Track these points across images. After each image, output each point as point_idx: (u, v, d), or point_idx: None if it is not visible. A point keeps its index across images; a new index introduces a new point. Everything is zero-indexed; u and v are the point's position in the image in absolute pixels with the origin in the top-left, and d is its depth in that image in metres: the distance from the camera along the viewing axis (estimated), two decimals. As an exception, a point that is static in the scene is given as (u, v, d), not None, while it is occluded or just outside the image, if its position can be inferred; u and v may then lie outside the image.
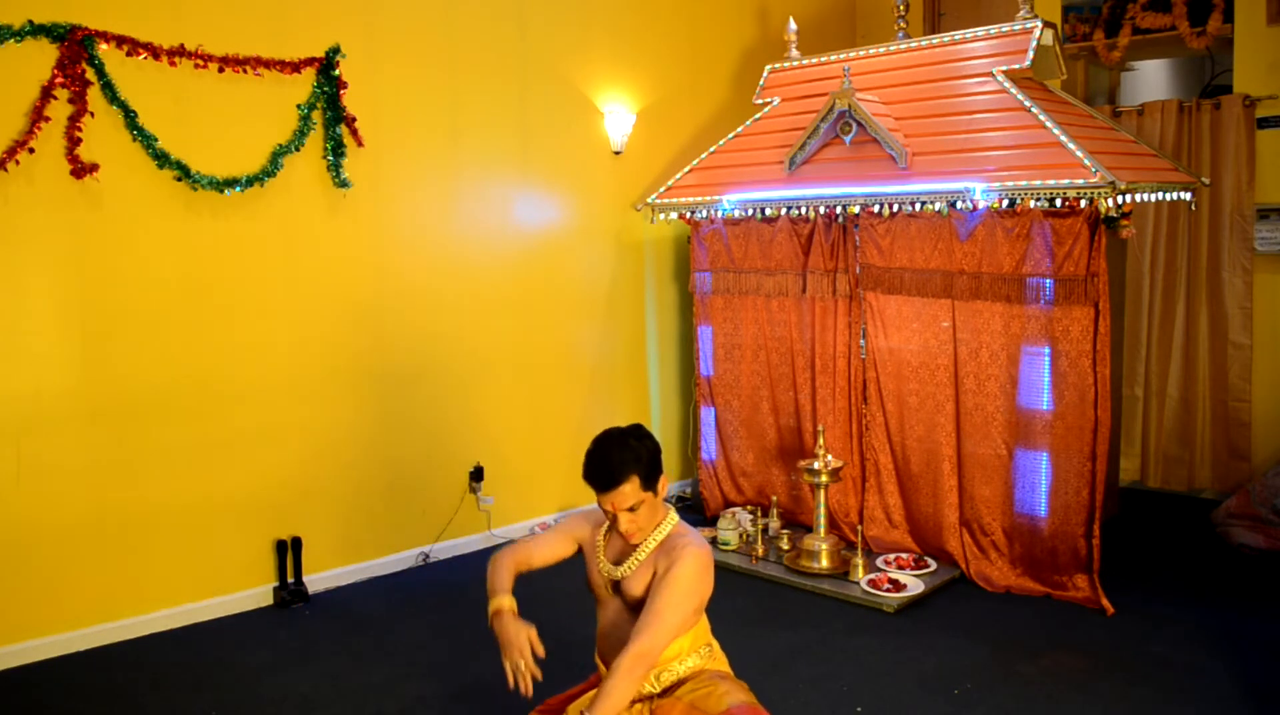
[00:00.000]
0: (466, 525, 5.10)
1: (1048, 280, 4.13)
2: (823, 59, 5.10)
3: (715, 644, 2.60)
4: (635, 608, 2.43)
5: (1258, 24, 5.27)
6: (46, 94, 3.78)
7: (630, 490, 2.38)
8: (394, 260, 4.78)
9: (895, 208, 4.45)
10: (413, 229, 4.85)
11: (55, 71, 3.79)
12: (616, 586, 2.51)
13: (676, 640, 2.43)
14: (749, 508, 5.18)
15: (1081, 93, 6.08)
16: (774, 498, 5.02)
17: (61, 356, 3.92)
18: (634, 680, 2.27)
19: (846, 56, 4.98)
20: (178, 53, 4.05)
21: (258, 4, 4.29)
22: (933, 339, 4.53)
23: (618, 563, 2.50)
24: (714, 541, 4.95)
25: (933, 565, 4.52)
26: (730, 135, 5.33)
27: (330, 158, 4.48)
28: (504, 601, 2.45)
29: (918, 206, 4.33)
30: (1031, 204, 4.03)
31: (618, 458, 2.38)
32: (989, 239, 4.27)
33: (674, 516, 2.52)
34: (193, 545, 4.24)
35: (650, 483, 2.43)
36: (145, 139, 3.99)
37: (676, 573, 2.35)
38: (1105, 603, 4.06)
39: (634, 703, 2.43)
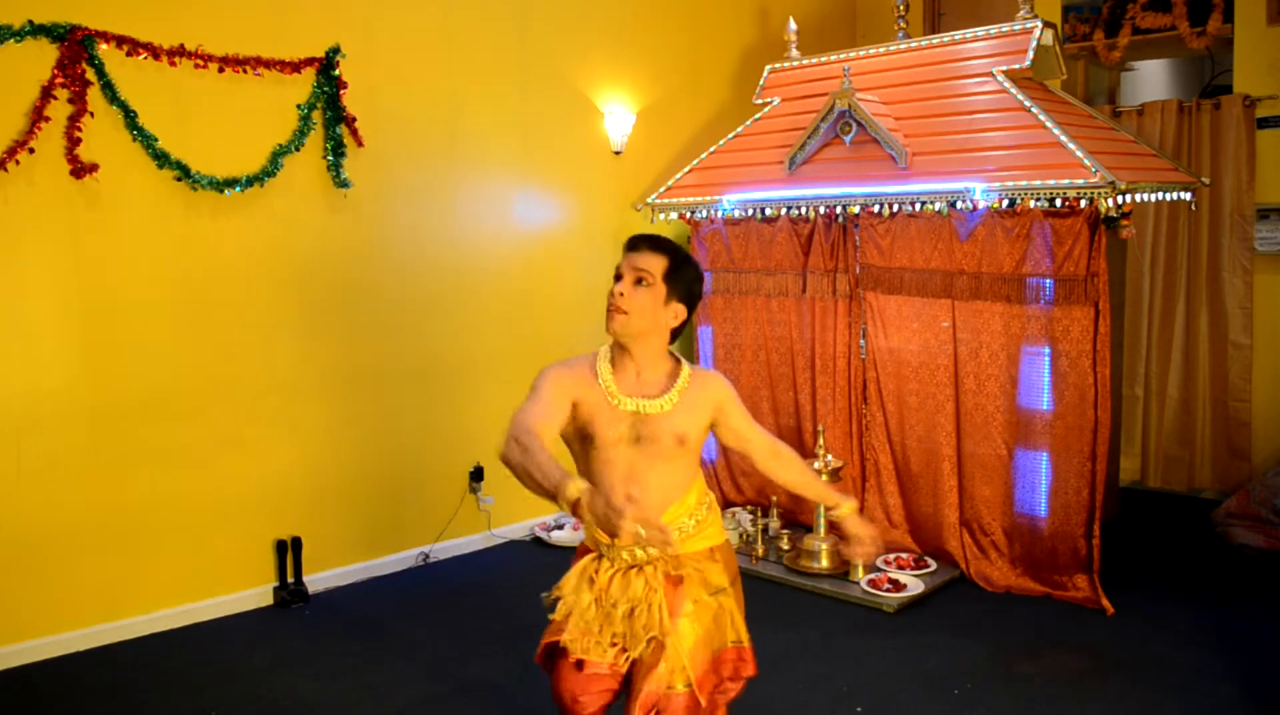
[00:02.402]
0: (466, 525, 5.10)
1: (1048, 280, 4.13)
2: (823, 59, 5.10)
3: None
4: (665, 454, 2.30)
5: (1258, 24, 5.27)
6: (46, 94, 3.77)
7: (655, 264, 2.30)
8: (394, 260, 4.78)
9: (895, 208, 4.45)
10: (413, 229, 4.85)
11: (55, 71, 3.79)
12: (643, 428, 2.30)
13: (691, 491, 2.40)
14: (749, 508, 5.18)
15: (1081, 93, 6.08)
16: (774, 498, 5.02)
17: (61, 356, 3.92)
18: (798, 462, 2.52)
19: (846, 56, 4.98)
20: (178, 53, 4.05)
21: (258, 4, 4.29)
22: (933, 339, 4.53)
23: (649, 400, 2.31)
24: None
25: (933, 565, 4.52)
26: (730, 135, 5.33)
27: (330, 158, 4.48)
28: (580, 482, 1.99)
29: (918, 206, 4.33)
30: (1031, 204, 4.03)
31: (662, 238, 2.36)
32: (989, 239, 4.27)
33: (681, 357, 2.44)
34: (193, 545, 4.24)
35: (675, 287, 2.31)
36: (145, 139, 3.99)
37: (729, 395, 2.45)
38: (1105, 603, 4.06)
39: (642, 566, 2.32)
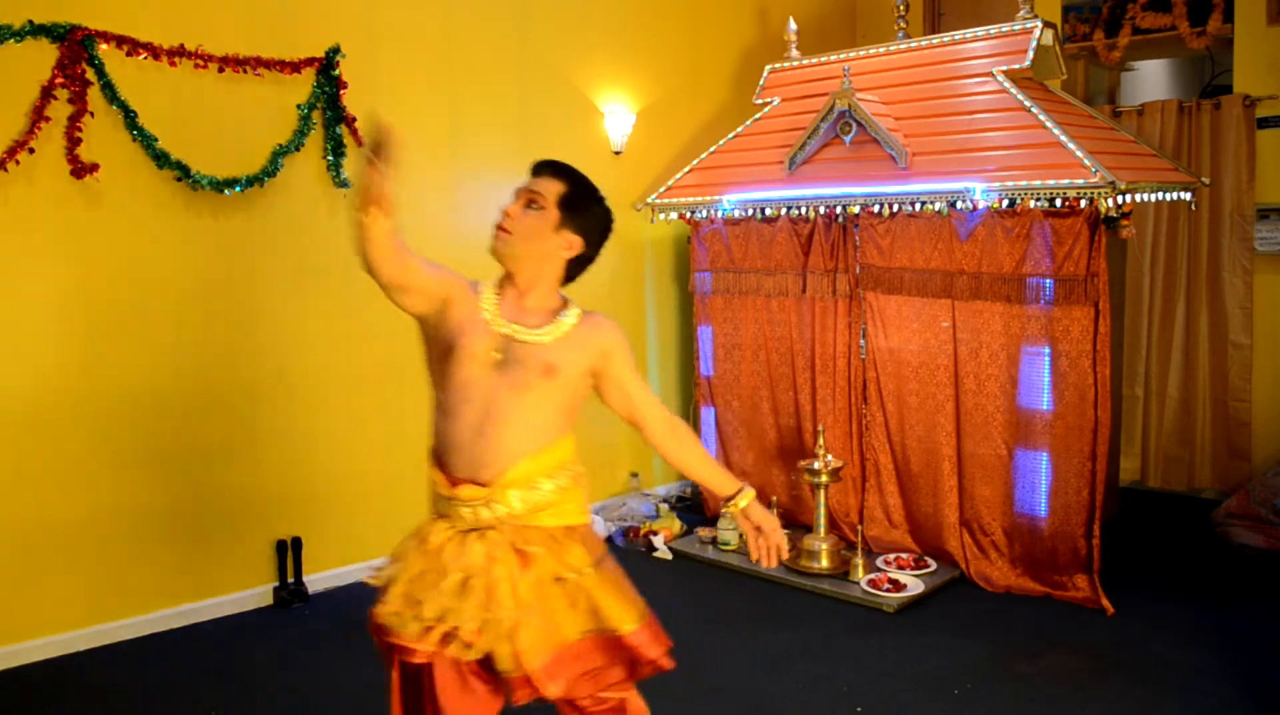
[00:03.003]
0: (466, 525, 5.09)
1: (1048, 280, 4.13)
2: (823, 59, 5.10)
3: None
4: (532, 386, 2.11)
5: (1258, 24, 5.27)
6: (46, 94, 3.77)
7: (550, 187, 2.16)
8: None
9: (895, 208, 4.45)
10: (413, 229, 4.83)
11: (55, 71, 3.78)
12: (513, 355, 2.14)
13: (554, 447, 2.17)
14: (749, 508, 5.18)
15: (1081, 93, 6.08)
16: (774, 498, 5.02)
17: (61, 356, 3.92)
18: (698, 444, 2.33)
19: (846, 56, 4.98)
20: (178, 53, 4.05)
21: (258, 4, 4.29)
22: (933, 339, 4.53)
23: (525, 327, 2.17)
24: (714, 541, 4.95)
25: (933, 565, 4.52)
26: (730, 135, 5.33)
27: (330, 158, 4.48)
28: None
29: (918, 206, 4.33)
30: (1031, 204, 4.03)
31: (567, 165, 2.21)
32: (989, 239, 4.27)
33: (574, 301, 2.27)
34: (193, 545, 4.24)
35: (570, 215, 2.16)
36: (145, 139, 3.99)
37: (619, 345, 2.24)
38: (1105, 603, 4.06)
39: (470, 530, 2.11)
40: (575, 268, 2.24)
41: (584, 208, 2.19)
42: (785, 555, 2.29)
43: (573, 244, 2.20)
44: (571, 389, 2.20)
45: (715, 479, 2.33)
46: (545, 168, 2.22)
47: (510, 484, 2.12)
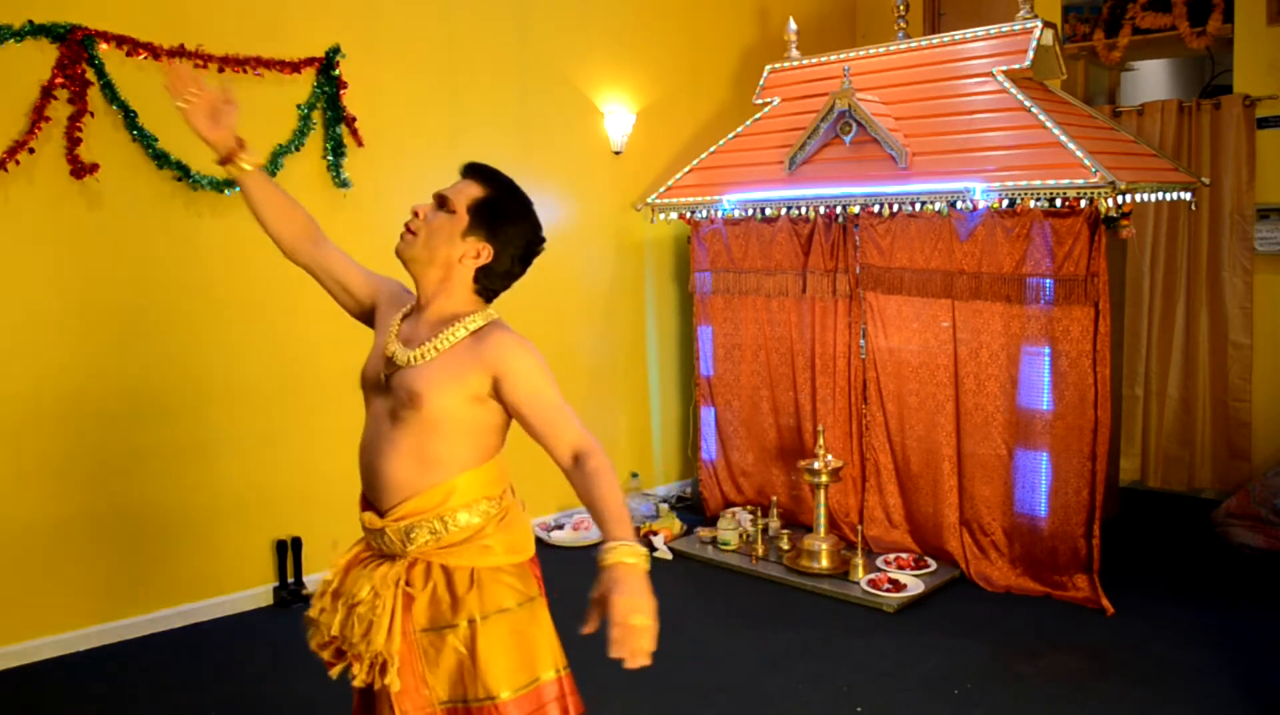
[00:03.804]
0: (466, 525, 5.10)
1: (1048, 280, 4.13)
2: (823, 59, 5.10)
3: (514, 491, 2.07)
4: (404, 418, 1.93)
5: (1258, 24, 5.27)
6: (46, 94, 3.77)
7: (465, 191, 1.98)
8: (394, 260, 4.77)
9: (895, 208, 4.45)
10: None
11: (55, 71, 3.78)
12: (388, 380, 1.99)
13: (465, 475, 1.94)
14: (749, 508, 5.18)
15: (1081, 93, 6.08)
16: (774, 498, 5.02)
17: (61, 356, 3.92)
18: (612, 483, 1.84)
19: (846, 56, 4.98)
20: (178, 53, 4.05)
21: (258, 4, 4.29)
22: (933, 339, 4.53)
23: (409, 345, 1.98)
24: (714, 541, 4.95)
25: (933, 565, 4.52)
26: (730, 135, 5.33)
27: (330, 158, 4.48)
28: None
29: (918, 206, 4.33)
30: (1031, 204, 4.03)
31: (497, 173, 2.03)
32: (989, 239, 4.27)
33: (491, 313, 2.03)
34: (193, 545, 4.24)
35: (481, 221, 1.96)
36: (145, 139, 3.99)
37: (524, 366, 1.91)
38: (1105, 603, 4.06)
39: (382, 558, 1.98)
40: (492, 281, 2.01)
41: (501, 216, 1.99)
42: (646, 657, 1.67)
43: (481, 253, 1.97)
44: (456, 418, 1.92)
45: (606, 522, 1.80)
46: (469, 170, 2.03)
47: (408, 516, 1.94)
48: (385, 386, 2.00)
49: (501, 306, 2.56)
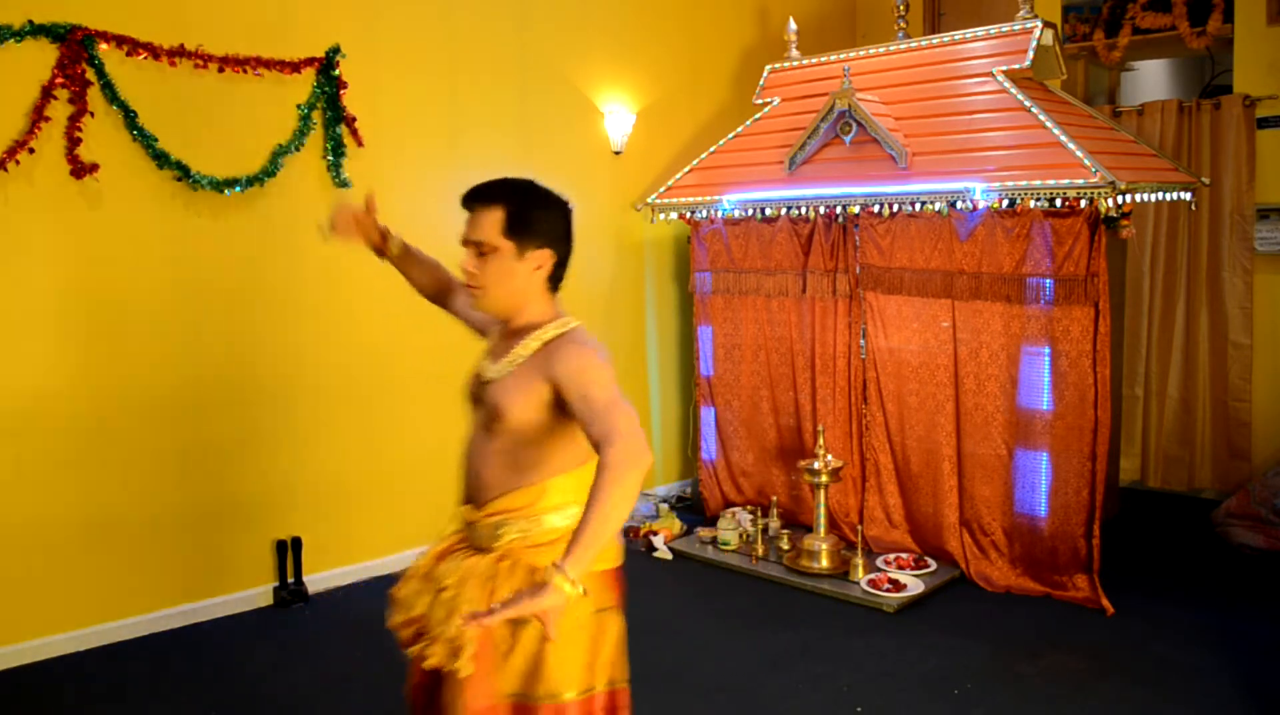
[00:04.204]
0: (466, 525, 5.10)
1: (1048, 280, 4.13)
2: (823, 59, 5.10)
3: None
4: (495, 428, 2.00)
5: (1258, 24, 5.27)
6: (46, 94, 3.77)
7: (488, 222, 1.97)
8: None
9: (895, 208, 4.45)
10: (413, 229, 4.77)
11: (55, 71, 3.79)
12: (479, 394, 2.07)
13: (557, 479, 1.99)
14: (749, 508, 5.18)
15: (1081, 93, 6.08)
16: (774, 498, 5.02)
17: (61, 356, 3.92)
18: (627, 497, 1.73)
19: (846, 56, 4.98)
20: (178, 53, 4.05)
21: (258, 4, 4.29)
22: (933, 339, 4.53)
23: (494, 360, 2.06)
24: (714, 541, 4.95)
25: (933, 565, 4.52)
26: (730, 135, 5.32)
27: (330, 158, 4.48)
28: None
29: (918, 206, 4.33)
30: (1031, 204, 4.03)
31: (501, 181, 2.01)
32: (989, 239, 4.27)
33: (574, 321, 2.05)
34: (193, 545, 4.24)
35: (518, 232, 1.97)
36: (145, 139, 3.99)
37: (580, 367, 1.90)
38: (1105, 603, 4.06)
39: (474, 550, 2.03)
40: (557, 271, 2.07)
41: (532, 218, 1.99)
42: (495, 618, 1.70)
43: (543, 260, 2.02)
44: (540, 427, 1.97)
45: (575, 533, 1.72)
46: (474, 198, 2.01)
47: (499, 513, 2.02)
48: (479, 400, 2.09)
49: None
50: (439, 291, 2.47)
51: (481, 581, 1.98)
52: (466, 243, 2.01)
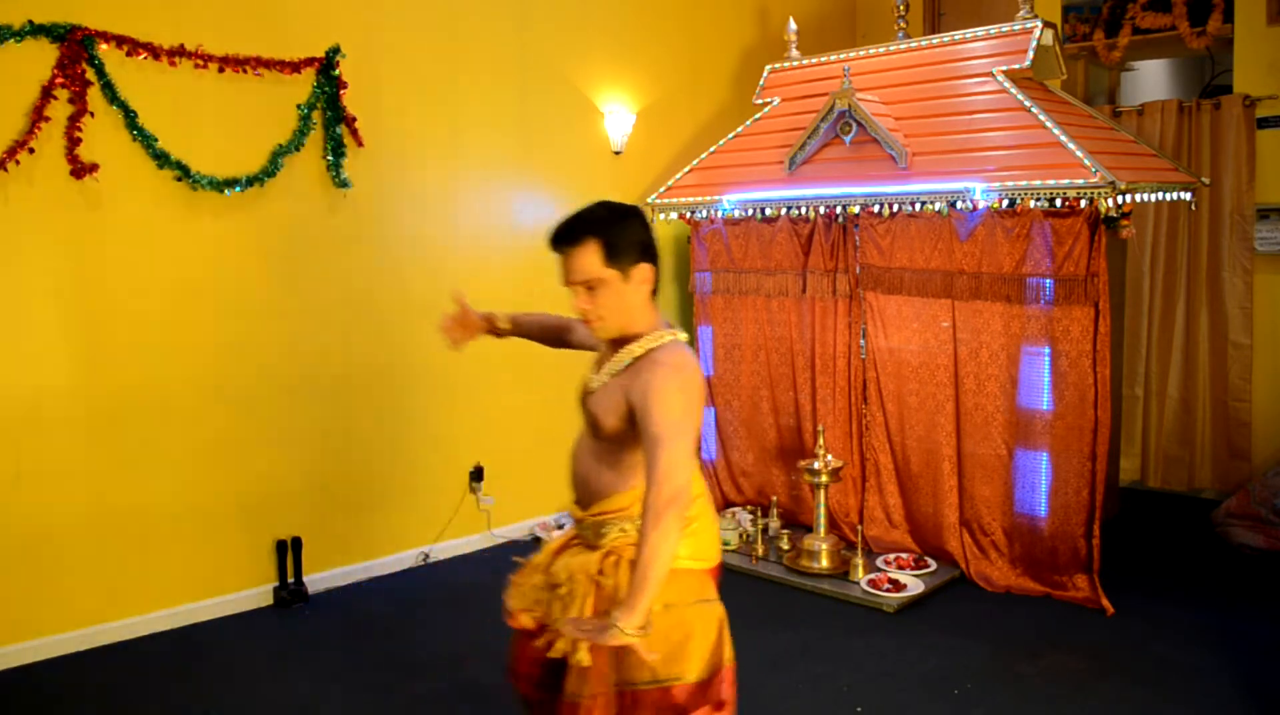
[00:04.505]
0: (466, 525, 5.10)
1: (1048, 280, 4.13)
2: (823, 59, 5.10)
3: (707, 496, 2.21)
4: (597, 435, 2.12)
5: (1258, 24, 5.27)
6: (46, 94, 3.77)
7: (587, 259, 2.02)
8: (394, 261, 4.78)
9: (895, 208, 4.45)
10: (413, 229, 4.85)
11: (55, 71, 3.79)
12: (584, 403, 2.19)
13: (635, 490, 2.10)
14: (749, 508, 5.18)
15: (1081, 93, 6.08)
16: (774, 498, 5.02)
17: (61, 356, 3.92)
18: (666, 538, 1.86)
19: (846, 56, 4.98)
20: (178, 53, 4.05)
21: (258, 4, 4.29)
22: (933, 339, 4.53)
23: (598, 372, 2.18)
24: (714, 541, 4.95)
25: (933, 565, 4.52)
26: (730, 135, 5.33)
27: (330, 158, 4.48)
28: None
29: (918, 206, 4.33)
30: (1031, 204, 4.03)
31: (581, 215, 2.06)
32: (989, 239, 4.27)
33: (670, 335, 2.11)
34: (193, 545, 4.24)
35: (617, 258, 2.03)
36: (145, 139, 3.99)
37: (649, 387, 1.96)
38: (1105, 603, 4.06)
39: (586, 546, 2.16)
40: (654, 279, 2.15)
41: (625, 240, 2.06)
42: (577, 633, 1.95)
43: (646, 274, 2.09)
44: (628, 436, 2.06)
45: (632, 585, 1.90)
46: (562, 240, 2.08)
47: (600, 514, 2.15)
48: (584, 407, 2.20)
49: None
50: (557, 337, 2.60)
51: (589, 578, 2.10)
52: (571, 283, 2.08)
